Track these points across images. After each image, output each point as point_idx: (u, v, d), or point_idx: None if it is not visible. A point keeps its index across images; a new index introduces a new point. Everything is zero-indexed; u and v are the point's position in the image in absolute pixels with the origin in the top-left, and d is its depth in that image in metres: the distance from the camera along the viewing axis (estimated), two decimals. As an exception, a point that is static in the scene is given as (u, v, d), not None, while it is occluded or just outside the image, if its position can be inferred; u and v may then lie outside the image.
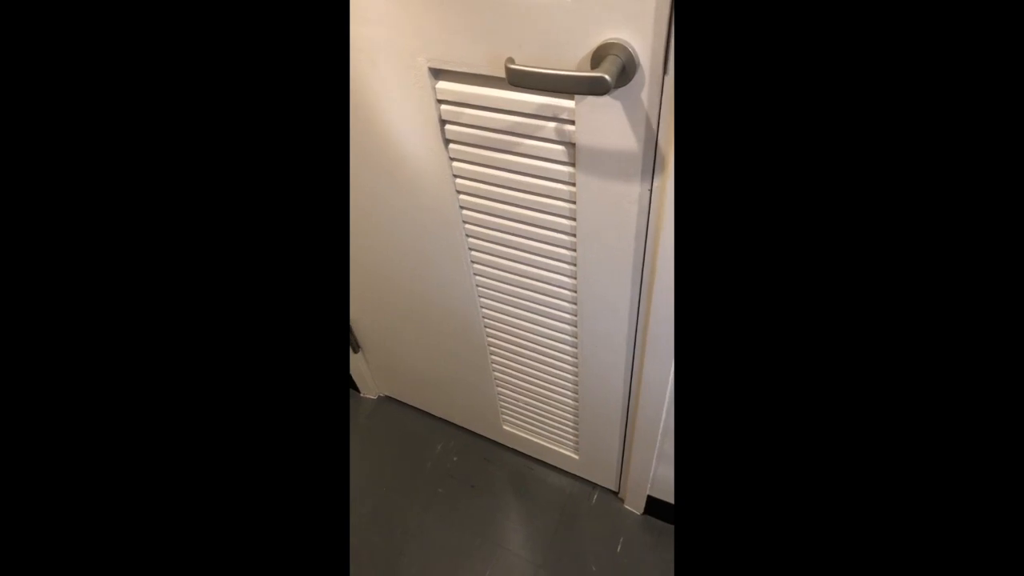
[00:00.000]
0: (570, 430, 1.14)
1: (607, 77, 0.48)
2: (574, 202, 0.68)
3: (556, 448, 1.22)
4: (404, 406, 1.44)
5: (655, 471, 1.06)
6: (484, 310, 0.96)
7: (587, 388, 0.98)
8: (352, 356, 1.32)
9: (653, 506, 1.17)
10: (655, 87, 0.52)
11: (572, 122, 0.60)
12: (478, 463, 1.32)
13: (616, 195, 0.64)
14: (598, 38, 0.51)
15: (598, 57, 0.51)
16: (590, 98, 0.56)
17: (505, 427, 1.26)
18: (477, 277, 0.90)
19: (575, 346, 0.91)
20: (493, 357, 1.07)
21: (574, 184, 0.66)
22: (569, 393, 1.03)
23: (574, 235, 0.72)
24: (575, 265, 0.76)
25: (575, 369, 0.96)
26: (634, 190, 0.62)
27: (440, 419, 1.40)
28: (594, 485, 1.26)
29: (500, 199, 0.74)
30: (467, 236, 0.83)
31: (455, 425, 1.38)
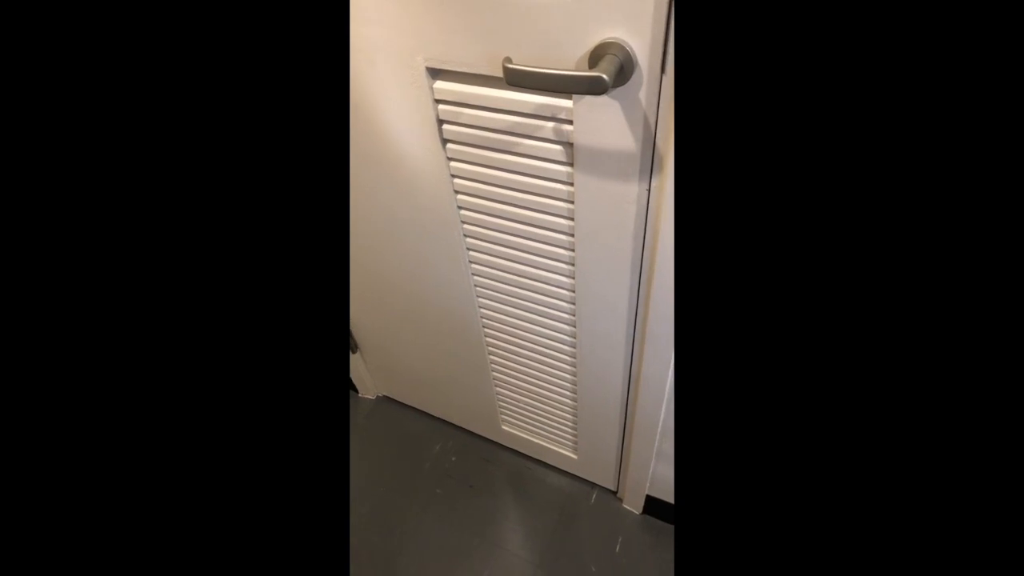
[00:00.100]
0: (569, 430, 1.14)
1: (605, 76, 0.48)
2: (572, 202, 0.68)
3: (555, 448, 1.22)
4: (402, 406, 1.44)
5: (654, 470, 1.06)
6: (482, 310, 0.96)
7: (586, 387, 0.98)
8: (350, 356, 1.32)
9: (652, 506, 1.17)
10: (653, 86, 0.52)
11: (570, 122, 0.60)
12: (477, 463, 1.32)
13: (614, 195, 0.64)
14: (596, 37, 0.51)
15: (596, 56, 0.51)
16: (588, 98, 0.56)
17: (504, 427, 1.26)
18: (475, 277, 0.90)
19: (574, 346, 0.91)
20: (492, 357, 1.07)
21: (572, 184, 0.66)
22: (568, 393, 1.03)
23: (572, 235, 0.72)
24: (573, 265, 0.76)
25: (574, 369, 0.96)
26: (632, 189, 0.62)
27: (438, 419, 1.40)
28: (593, 485, 1.26)
29: (498, 199, 0.73)
30: (465, 236, 0.83)
31: (454, 425, 1.38)
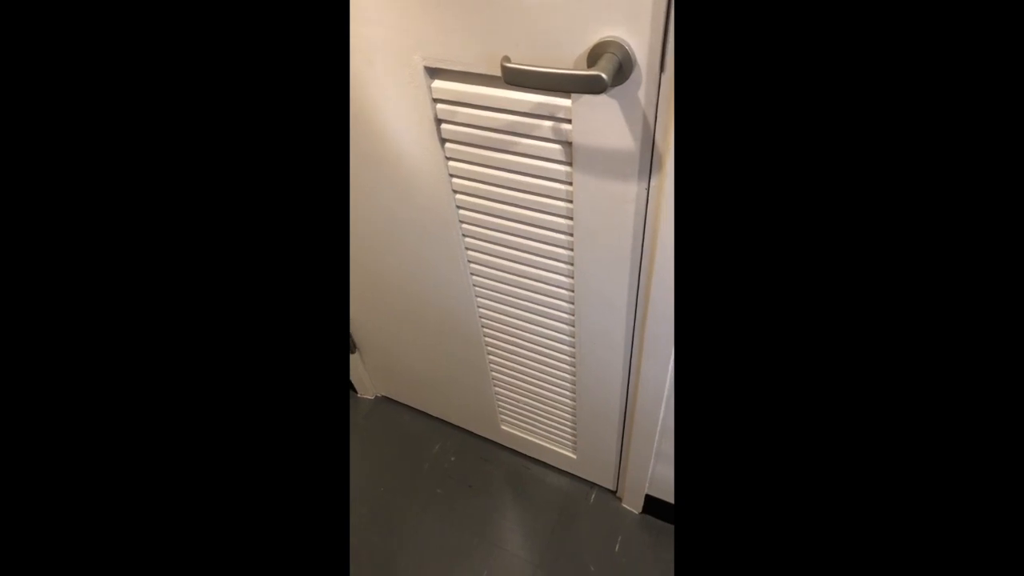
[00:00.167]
0: (568, 429, 1.14)
1: (603, 75, 0.48)
2: (571, 201, 0.68)
3: (554, 448, 1.22)
4: (401, 406, 1.44)
5: (653, 470, 1.06)
6: (481, 310, 0.96)
7: (585, 387, 0.98)
8: (350, 357, 1.32)
9: (651, 505, 1.17)
10: (652, 85, 0.52)
11: (569, 121, 0.60)
12: (476, 463, 1.32)
13: (613, 194, 0.64)
14: (594, 36, 0.51)
15: (594, 55, 0.51)
16: (587, 97, 0.56)
17: (503, 427, 1.26)
18: (474, 277, 0.90)
19: (573, 345, 0.91)
20: (491, 357, 1.06)
21: (571, 183, 0.66)
22: (567, 392, 1.03)
23: (571, 234, 0.72)
24: (572, 264, 0.76)
25: (573, 368, 0.96)
26: (631, 189, 0.62)
27: (438, 419, 1.40)
28: (592, 484, 1.26)
29: (497, 198, 0.73)
30: (464, 236, 0.83)
31: (453, 425, 1.38)
